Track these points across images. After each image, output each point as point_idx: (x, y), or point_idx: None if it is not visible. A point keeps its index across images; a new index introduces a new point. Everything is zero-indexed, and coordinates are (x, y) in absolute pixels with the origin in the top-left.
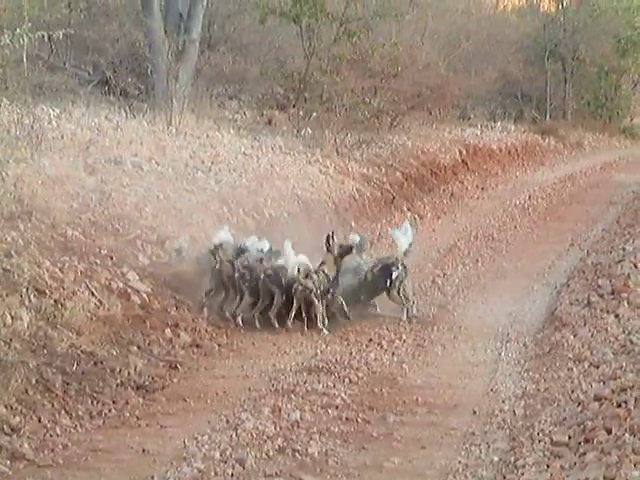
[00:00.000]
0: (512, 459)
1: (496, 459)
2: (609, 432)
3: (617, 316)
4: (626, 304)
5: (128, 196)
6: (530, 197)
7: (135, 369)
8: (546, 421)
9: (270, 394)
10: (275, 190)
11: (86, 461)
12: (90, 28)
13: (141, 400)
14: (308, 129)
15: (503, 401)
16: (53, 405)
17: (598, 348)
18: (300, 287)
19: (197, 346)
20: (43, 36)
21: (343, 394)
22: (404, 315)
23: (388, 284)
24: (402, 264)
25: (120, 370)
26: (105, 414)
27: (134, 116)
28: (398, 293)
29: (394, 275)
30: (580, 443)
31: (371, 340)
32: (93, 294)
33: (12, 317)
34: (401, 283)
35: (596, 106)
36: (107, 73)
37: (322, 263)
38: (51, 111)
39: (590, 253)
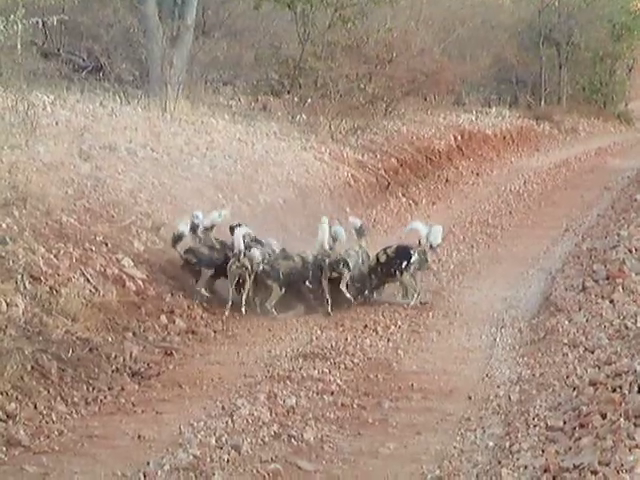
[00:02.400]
0: (507, 444)
1: (491, 444)
2: (604, 417)
3: (612, 301)
4: (621, 289)
5: (123, 182)
6: (525, 182)
7: (130, 355)
8: (541, 406)
9: (266, 380)
10: (270, 176)
11: (82, 447)
12: (84, 14)
13: (137, 386)
14: (303, 115)
15: (498, 386)
16: (49, 391)
17: (593, 333)
18: (237, 264)
19: (192, 332)
20: (37, 22)
21: (338, 380)
22: (411, 301)
23: (404, 266)
24: (422, 251)
25: (115, 356)
26: (101, 400)
27: (129, 102)
28: (411, 277)
29: (413, 258)
30: (575, 428)
31: (366, 326)
32: (88, 280)
33: (7, 304)
34: (415, 268)
35: (591, 91)
36: (101, 59)
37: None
38: (45, 97)
39: (585, 238)
